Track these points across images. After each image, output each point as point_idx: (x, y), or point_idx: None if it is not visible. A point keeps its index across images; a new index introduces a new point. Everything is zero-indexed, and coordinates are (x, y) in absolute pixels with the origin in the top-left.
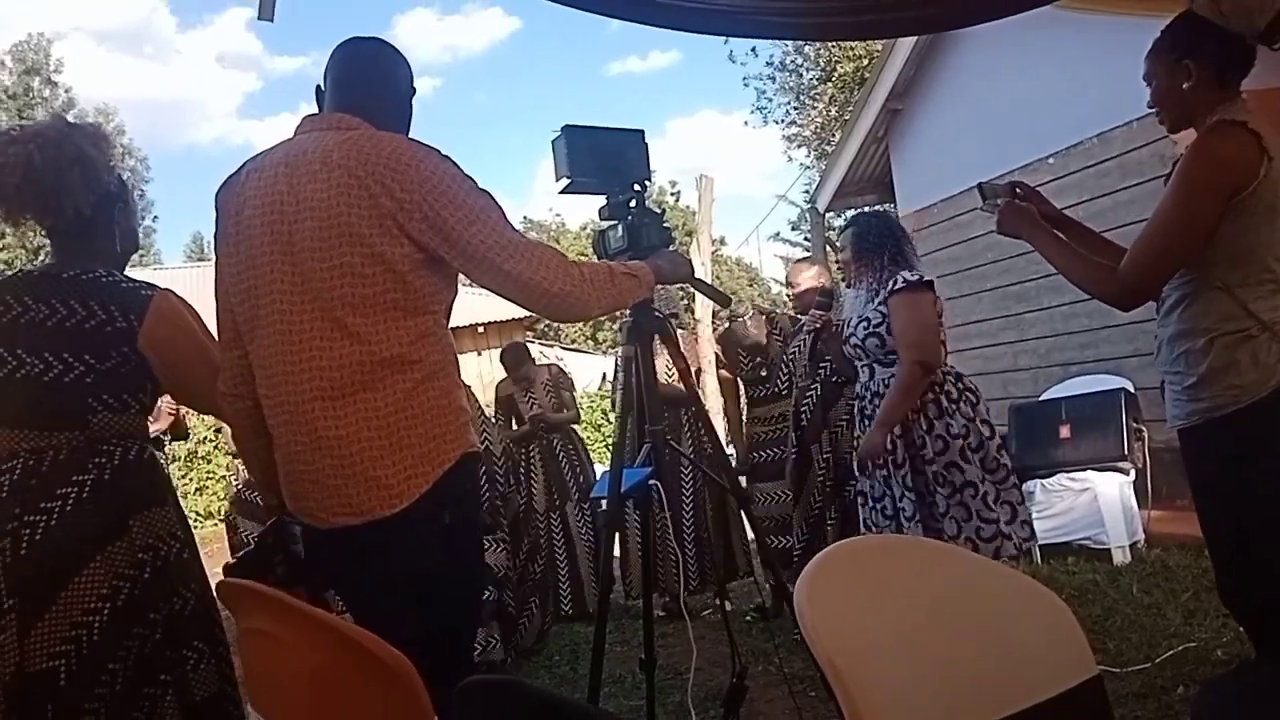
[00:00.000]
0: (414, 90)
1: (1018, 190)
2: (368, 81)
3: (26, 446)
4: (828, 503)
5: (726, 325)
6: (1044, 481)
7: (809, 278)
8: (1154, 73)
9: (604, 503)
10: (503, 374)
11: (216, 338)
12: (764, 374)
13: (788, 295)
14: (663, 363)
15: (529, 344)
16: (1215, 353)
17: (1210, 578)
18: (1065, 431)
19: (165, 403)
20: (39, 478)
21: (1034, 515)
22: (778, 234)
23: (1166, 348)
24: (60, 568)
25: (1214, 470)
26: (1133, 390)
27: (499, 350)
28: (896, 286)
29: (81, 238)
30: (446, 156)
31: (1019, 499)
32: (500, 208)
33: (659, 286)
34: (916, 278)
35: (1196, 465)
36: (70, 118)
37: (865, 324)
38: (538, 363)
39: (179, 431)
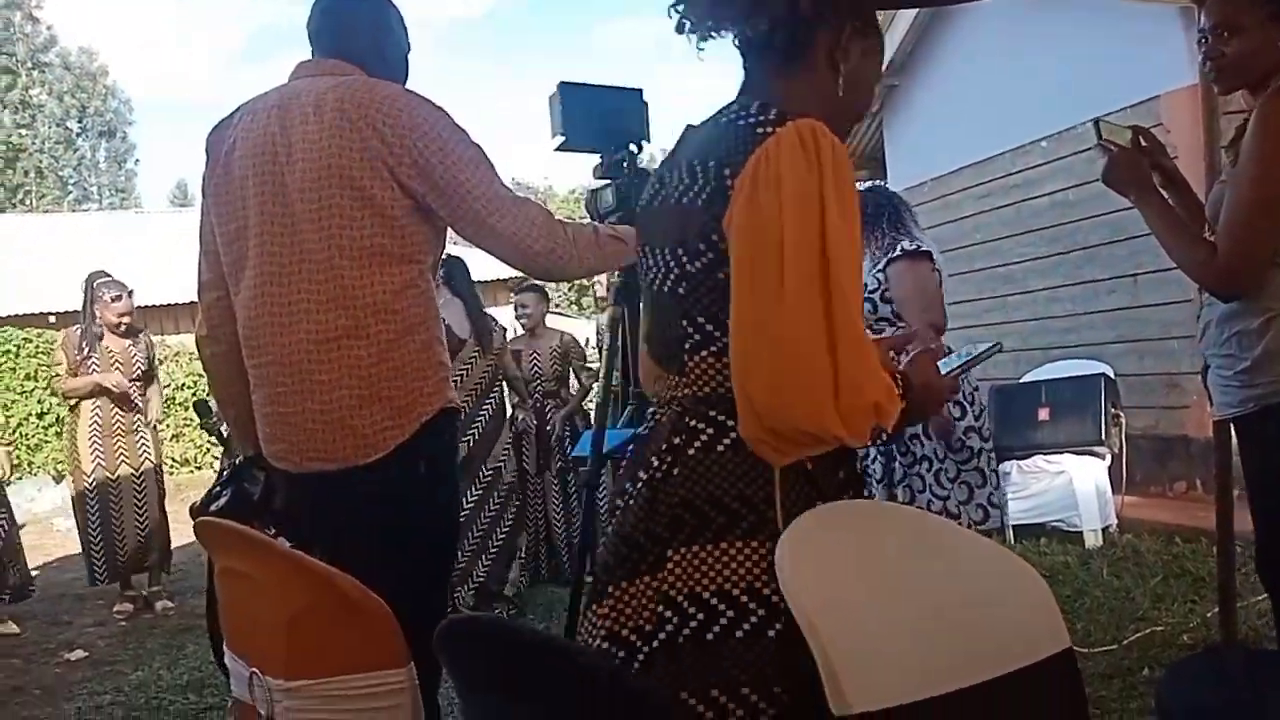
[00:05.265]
0: (409, 46)
1: (1141, 140)
2: (364, 29)
3: None
4: None
5: None
6: (1020, 463)
7: None
8: (1237, 25)
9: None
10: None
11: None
12: None
13: None
14: None
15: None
16: (1273, 333)
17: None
18: (1044, 414)
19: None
20: None
21: (1009, 496)
22: None
23: (1215, 329)
24: None
25: (1274, 460)
26: (1113, 376)
27: (492, 309)
28: (894, 255)
29: None
30: (440, 107)
31: (980, 482)
32: (490, 162)
33: None
34: (915, 246)
35: (1253, 455)
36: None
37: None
38: (549, 325)
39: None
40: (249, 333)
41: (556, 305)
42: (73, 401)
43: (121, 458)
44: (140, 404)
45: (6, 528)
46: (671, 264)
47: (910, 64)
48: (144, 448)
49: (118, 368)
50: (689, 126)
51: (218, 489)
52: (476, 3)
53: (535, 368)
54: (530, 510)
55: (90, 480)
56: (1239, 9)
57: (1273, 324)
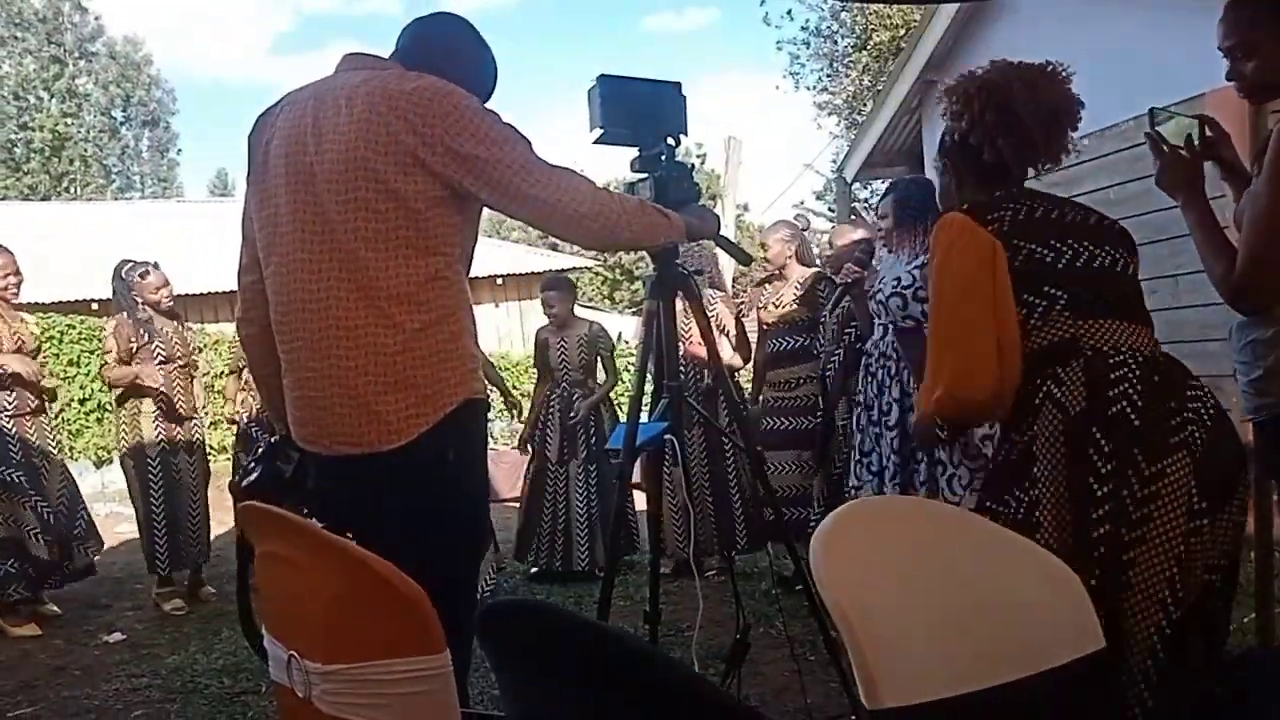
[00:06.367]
0: (491, 91)
1: (1207, 131)
2: (436, 53)
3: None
4: (847, 471)
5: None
6: None
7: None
8: (1252, 47)
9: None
10: (518, 327)
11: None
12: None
13: (825, 259)
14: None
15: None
16: None
17: None
18: None
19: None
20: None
21: None
22: (801, 202)
23: (1236, 334)
24: None
25: None
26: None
27: (516, 303)
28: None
29: None
30: (469, 94)
31: None
32: (525, 138)
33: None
34: None
35: (1268, 462)
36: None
37: (895, 283)
38: (578, 316)
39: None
40: (279, 318)
41: (590, 299)
42: (121, 390)
43: (180, 445)
44: (192, 389)
45: (67, 512)
46: (1123, 254)
47: (950, 60)
48: (197, 434)
49: (178, 350)
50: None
51: (251, 464)
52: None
53: (562, 357)
54: (550, 499)
55: (156, 467)
56: (1252, 29)
57: None
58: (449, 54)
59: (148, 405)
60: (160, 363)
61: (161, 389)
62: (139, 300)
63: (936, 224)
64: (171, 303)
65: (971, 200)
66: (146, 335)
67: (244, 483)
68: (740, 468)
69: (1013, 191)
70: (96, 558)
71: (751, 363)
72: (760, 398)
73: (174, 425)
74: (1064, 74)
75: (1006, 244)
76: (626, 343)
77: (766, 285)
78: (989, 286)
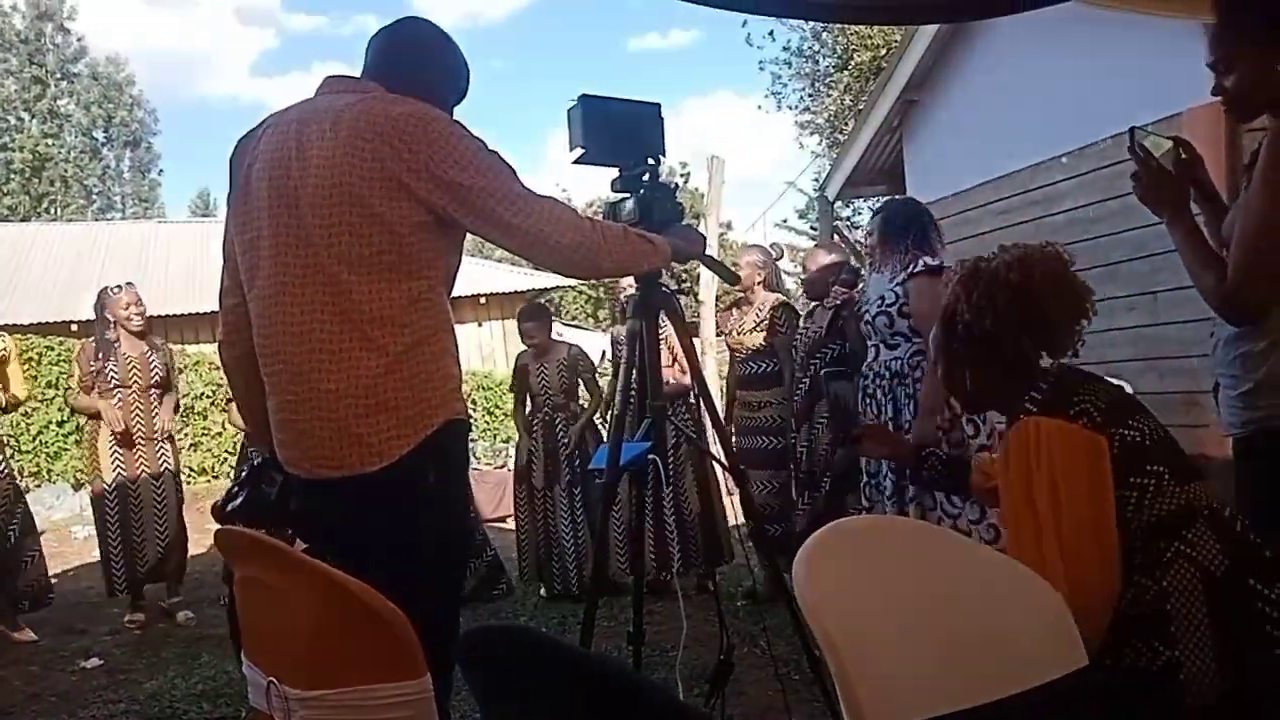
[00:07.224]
0: (464, 90)
1: (1182, 154)
2: (409, 61)
3: None
4: (799, 490)
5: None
6: None
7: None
8: (1232, 60)
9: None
10: (500, 346)
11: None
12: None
13: (800, 281)
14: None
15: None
16: (1277, 357)
17: None
18: None
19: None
20: None
21: None
22: (784, 221)
23: (1224, 348)
24: None
25: (1269, 486)
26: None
27: (499, 322)
28: (915, 270)
29: None
30: (455, 120)
31: (993, 502)
32: (510, 166)
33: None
34: (937, 263)
35: (1249, 480)
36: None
37: (879, 302)
38: (555, 337)
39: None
40: (262, 342)
41: (573, 318)
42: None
43: (142, 466)
44: (158, 412)
45: (17, 536)
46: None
47: (930, 80)
48: (163, 456)
49: (135, 374)
50: None
51: (235, 488)
52: (502, 6)
53: (543, 382)
54: (536, 524)
55: (111, 489)
56: (1232, 44)
57: (1278, 347)
58: (421, 60)
59: (105, 430)
60: (114, 387)
61: (119, 426)
62: (111, 319)
63: (1019, 429)
64: (142, 323)
65: (1022, 395)
66: (103, 359)
67: (227, 507)
68: (680, 489)
69: (1060, 378)
70: (53, 580)
71: (723, 384)
72: (734, 417)
73: (132, 451)
74: (1067, 254)
75: (1103, 433)
76: (610, 361)
77: (734, 309)
78: (1108, 495)
